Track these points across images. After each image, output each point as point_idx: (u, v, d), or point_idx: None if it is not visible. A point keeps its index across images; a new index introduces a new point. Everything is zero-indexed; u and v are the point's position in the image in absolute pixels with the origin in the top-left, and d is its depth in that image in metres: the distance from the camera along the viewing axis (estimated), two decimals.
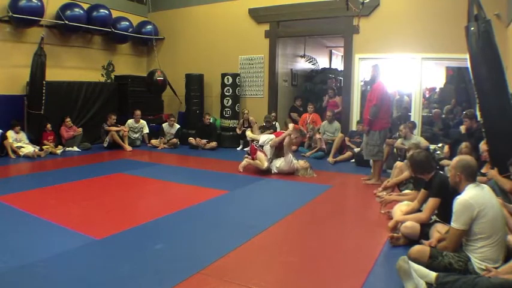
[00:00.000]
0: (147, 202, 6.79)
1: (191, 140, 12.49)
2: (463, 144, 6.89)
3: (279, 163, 8.86)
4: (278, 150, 8.96)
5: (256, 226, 5.36)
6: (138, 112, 12.74)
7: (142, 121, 12.88)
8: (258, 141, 9.17)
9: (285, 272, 4.14)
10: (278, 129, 12.04)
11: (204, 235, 5.16)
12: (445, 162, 7.59)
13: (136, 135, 12.79)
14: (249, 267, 4.20)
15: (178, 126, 13.14)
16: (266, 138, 9.04)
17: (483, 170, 6.05)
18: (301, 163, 8.86)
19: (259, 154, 8.95)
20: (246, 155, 9.52)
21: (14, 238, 4.83)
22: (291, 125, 9.62)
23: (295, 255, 4.52)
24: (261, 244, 4.87)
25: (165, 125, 13.03)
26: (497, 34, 5.74)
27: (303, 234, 5.34)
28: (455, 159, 4.07)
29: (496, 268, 3.51)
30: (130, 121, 12.69)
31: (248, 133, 9.81)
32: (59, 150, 10.91)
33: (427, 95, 15.79)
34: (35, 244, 4.62)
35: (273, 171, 8.88)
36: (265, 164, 8.79)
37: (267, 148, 8.93)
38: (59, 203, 6.38)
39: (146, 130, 12.96)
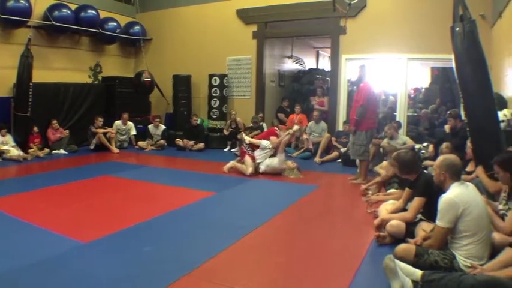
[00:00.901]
0: (135, 204, 6.72)
1: (178, 141, 12.48)
2: (444, 145, 6.97)
3: (270, 161, 8.88)
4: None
5: (244, 227, 5.37)
6: (125, 115, 12.65)
7: (129, 123, 12.81)
8: (249, 144, 9.18)
9: (273, 273, 4.16)
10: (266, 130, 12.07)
11: (193, 237, 5.17)
12: (428, 162, 7.65)
13: (123, 137, 12.71)
14: (238, 268, 4.21)
15: (164, 127, 13.11)
16: (267, 144, 9.05)
17: (468, 169, 6.11)
18: (288, 163, 8.88)
19: (247, 158, 8.99)
20: (238, 158, 9.54)
21: (1, 243, 4.78)
22: (296, 126, 9.60)
23: (283, 256, 4.54)
24: (249, 245, 4.88)
25: (150, 127, 12.99)
26: (482, 34, 5.78)
27: (290, 235, 5.36)
28: (440, 158, 4.13)
29: (481, 265, 3.56)
30: (117, 123, 12.60)
31: (245, 136, 9.77)
32: (43, 153, 10.77)
33: (413, 95, 15.89)
34: (22, 249, 4.58)
35: (261, 170, 8.91)
36: (249, 170, 8.80)
37: (261, 152, 8.96)
38: (45, 206, 6.33)
39: (133, 132, 12.88)
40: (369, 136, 8.07)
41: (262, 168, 8.91)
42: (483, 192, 4.78)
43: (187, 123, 12.85)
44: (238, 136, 11.53)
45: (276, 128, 9.47)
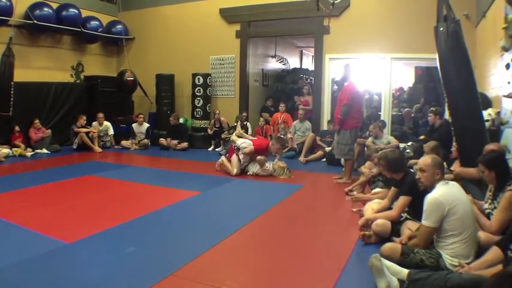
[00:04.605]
0: (118, 204, 6.67)
1: (162, 140, 12.44)
2: (426, 145, 6.90)
3: (255, 168, 8.85)
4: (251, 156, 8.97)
5: (229, 227, 5.34)
6: (100, 115, 12.50)
7: (106, 123, 12.65)
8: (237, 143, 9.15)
9: (258, 272, 4.14)
10: (249, 129, 12.04)
11: (177, 237, 5.14)
12: (412, 161, 7.67)
13: (103, 138, 12.54)
14: (223, 268, 4.19)
15: (148, 125, 13.06)
16: (242, 142, 9.01)
17: (453, 167, 6.14)
18: (279, 163, 8.84)
19: (234, 158, 8.95)
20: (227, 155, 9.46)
21: None
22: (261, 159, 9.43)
23: (268, 256, 4.53)
24: (234, 245, 4.85)
25: (134, 125, 12.92)
26: (466, 34, 5.83)
27: (275, 234, 5.34)
28: (428, 158, 4.11)
29: (467, 264, 3.56)
30: (94, 124, 12.45)
31: (233, 137, 9.73)
32: (29, 152, 10.68)
33: (396, 95, 15.95)
34: (4, 249, 4.51)
35: (248, 173, 8.88)
36: (234, 171, 8.79)
37: (241, 153, 8.92)
38: (28, 206, 6.26)
39: (111, 132, 12.74)
40: (353, 135, 8.08)
41: (249, 172, 8.88)
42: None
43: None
44: (223, 135, 11.53)
45: (270, 144, 9.26)
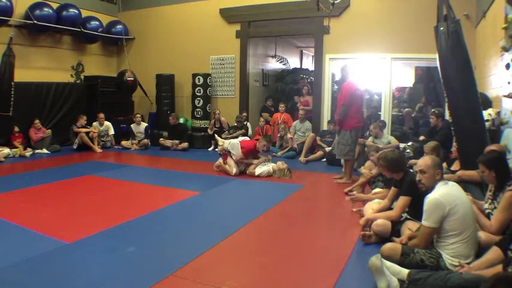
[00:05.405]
0: (119, 204, 6.66)
1: (162, 140, 12.43)
2: (427, 145, 6.90)
3: (259, 170, 8.84)
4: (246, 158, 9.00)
5: (229, 227, 5.35)
6: (101, 115, 12.53)
7: (107, 123, 12.66)
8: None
9: (258, 272, 4.14)
10: (250, 130, 12.05)
11: (177, 237, 5.13)
12: (412, 161, 7.66)
13: (103, 138, 12.56)
14: (223, 268, 4.18)
15: (146, 124, 13.07)
16: (228, 144, 9.04)
17: (453, 167, 6.13)
18: (278, 164, 8.84)
19: (229, 159, 8.95)
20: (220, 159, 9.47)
21: None
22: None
23: (268, 255, 4.52)
24: (234, 245, 4.86)
25: (132, 125, 12.92)
26: (466, 34, 5.82)
27: (275, 234, 5.33)
28: (429, 159, 4.11)
29: (467, 264, 3.56)
30: (95, 124, 12.46)
31: (218, 149, 9.78)
32: (28, 152, 10.67)
33: (397, 95, 15.93)
34: (4, 249, 4.51)
35: (248, 173, 8.88)
36: (234, 171, 8.79)
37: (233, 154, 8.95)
38: (28, 206, 6.25)
39: (111, 132, 12.74)
40: (353, 136, 8.06)
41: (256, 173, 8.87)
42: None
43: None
44: (223, 136, 11.53)
45: (257, 143, 9.25)
